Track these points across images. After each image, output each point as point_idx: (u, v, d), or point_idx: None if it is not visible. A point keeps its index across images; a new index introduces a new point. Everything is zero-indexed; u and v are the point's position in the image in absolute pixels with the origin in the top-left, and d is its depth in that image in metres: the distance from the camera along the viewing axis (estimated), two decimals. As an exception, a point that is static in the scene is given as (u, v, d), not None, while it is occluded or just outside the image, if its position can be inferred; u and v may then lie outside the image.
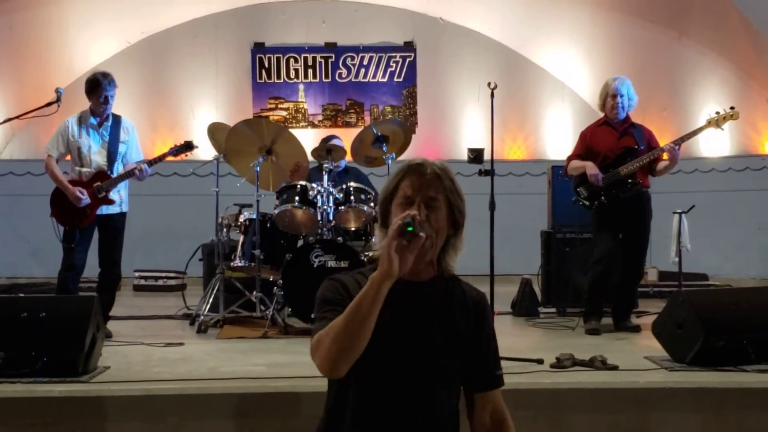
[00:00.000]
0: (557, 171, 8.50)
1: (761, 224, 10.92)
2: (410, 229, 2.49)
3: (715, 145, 11.35)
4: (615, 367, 5.22)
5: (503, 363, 5.10)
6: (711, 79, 11.41)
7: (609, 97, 7.14)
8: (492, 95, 5.84)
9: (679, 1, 11.05)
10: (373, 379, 2.69)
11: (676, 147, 6.94)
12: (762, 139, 11.24)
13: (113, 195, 6.92)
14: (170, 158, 7.38)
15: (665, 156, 7.08)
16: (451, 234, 2.77)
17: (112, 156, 6.96)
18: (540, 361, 5.35)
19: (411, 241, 2.51)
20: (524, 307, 8.14)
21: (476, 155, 6.11)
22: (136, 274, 10.97)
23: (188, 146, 7.35)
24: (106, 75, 6.97)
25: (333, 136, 8.38)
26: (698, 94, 11.56)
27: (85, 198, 6.78)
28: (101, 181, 6.86)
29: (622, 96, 7.09)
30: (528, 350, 5.69)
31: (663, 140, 7.47)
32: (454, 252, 2.81)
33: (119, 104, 8.53)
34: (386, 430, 2.70)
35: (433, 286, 2.78)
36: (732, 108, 7.10)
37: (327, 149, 7.54)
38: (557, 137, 12.33)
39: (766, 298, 5.58)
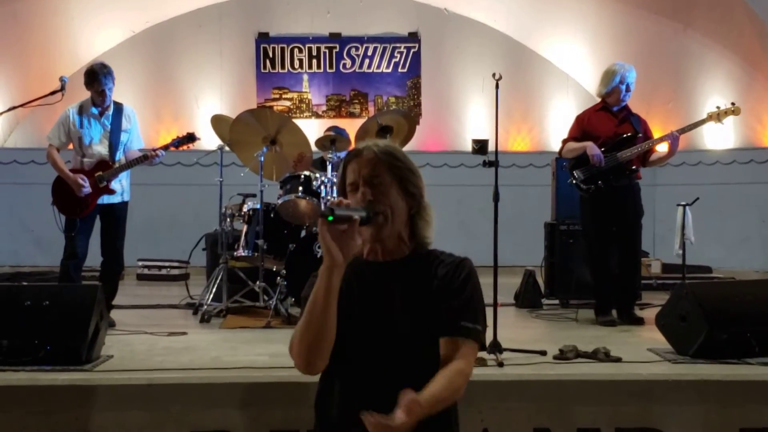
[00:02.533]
0: (561, 163, 8.49)
1: (765, 217, 10.90)
2: (330, 219, 2.49)
3: (719, 137, 11.33)
4: (618, 359, 5.22)
5: (506, 354, 5.15)
6: (716, 72, 11.38)
7: (620, 85, 7.10)
8: (497, 86, 5.81)
9: (684, -8, 11.04)
10: (352, 363, 2.72)
11: (677, 137, 6.96)
12: (766, 131, 11.21)
13: (114, 185, 6.92)
14: (172, 149, 7.36)
15: (656, 149, 7.10)
16: (412, 207, 2.80)
17: (113, 145, 6.96)
18: (543, 353, 5.35)
19: (348, 227, 2.53)
20: (527, 298, 8.14)
21: (481, 146, 6.10)
22: (140, 263, 10.97)
23: (191, 138, 7.34)
24: (104, 66, 6.95)
25: (335, 127, 8.37)
26: (703, 86, 11.53)
27: (87, 186, 6.79)
28: (102, 171, 6.86)
29: (631, 84, 7.10)
30: (531, 342, 5.69)
31: (667, 132, 7.46)
32: (425, 223, 2.83)
33: (124, 94, 8.54)
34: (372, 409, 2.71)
35: (407, 263, 2.79)
36: (733, 104, 7.12)
37: (331, 140, 7.54)
38: (561, 129, 12.23)
39: (771, 290, 5.57)
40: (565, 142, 7.32)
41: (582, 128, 7.23)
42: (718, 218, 10.93)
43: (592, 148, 6.96)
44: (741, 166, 11.33)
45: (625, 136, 7.04)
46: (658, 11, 11.31)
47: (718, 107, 7.13)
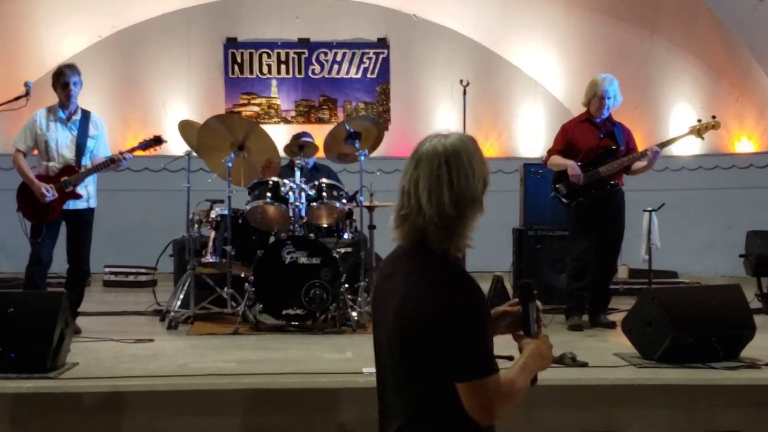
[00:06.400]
0: (529, 169, 8.55)
1: (731, 222, 10.99)
2: None
3: (685, 143, 11.40)
4: (584, 364, 5.25)
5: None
6: (682, 78, 11.48)
7: (597, 97, 7.16)
8: (464, 92, 5.84)
9: (650, -1, 11.13)
10: None
11: (658, 152, 7.04)
12: (732, 138, 11.32)
13: (80, 190, 6.87)
14: (140, 153, 7.32)
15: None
16: None
17: (80, 150, 6.91)
18: (510, 358, 5.31)
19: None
20: (495, 303, 8.04)
21: (448, 152, 6.11)
22: (107, 269, 10.87)
23: (157, 141, 7.30)
24: (72, 66, 6.94)
25: (304, 133, 8.36)
26: (670, 92, 11.63)
27: (50, 194, 6.74)
28: (68, 176, 6.82)
29: (609, 98, 7.14)
30: (498, 347, 5.67)
31: (635, 138, 7.52)
32: None
33: (90, 98, 8.47)
34: None
35: None
36: (713, 117, 7.24)
37: (299, 145, 7.53)
38: (530, 135, 12.36)
39: (734, 295, 5.62)
40: (550, 152, 7.39)
41: (566, 139, 7.29)
42: (684, 224, 11.01)
43: (573, 168, 7.03)
44: (707, 172, 11.43)
45: (606, 149, 7.10)
46: (624, 18, 11.39)
47: (699, 120, 7.25)
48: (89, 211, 7.02)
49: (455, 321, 2.40)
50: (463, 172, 2.57)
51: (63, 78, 6.83)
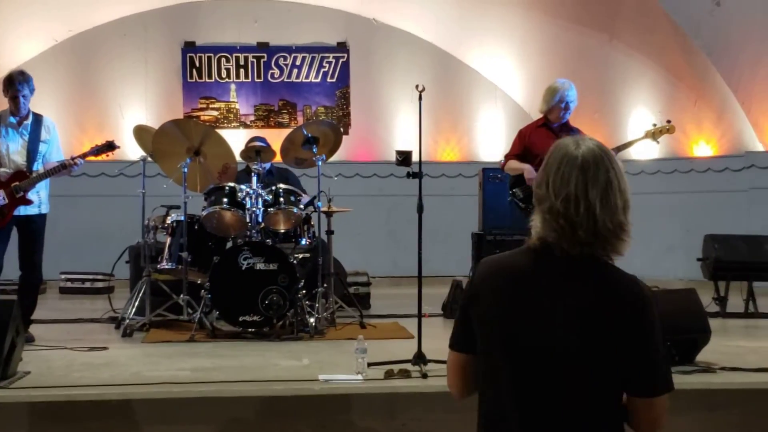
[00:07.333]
0: (488, 173, 8.56)
1: (689, 226, 11.08)
2: None
3: (644, 147, 11.48)
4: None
5: (431, 365, 5.14)
6: (641, 82, 11.56)
7: (559, 103, 7.16)
8: (420, 98, 5.81)
9: (609, 4, 11.17)
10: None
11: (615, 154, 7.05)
12: (690, 141, 11.41)
13: (31, 195, 6.77)
14: (93, 158, 7.23)
15: None
16: None
17: (31, 156, 6.81)
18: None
19: None
20: (455, 308, 8.14)
21: (404, 158, 6.07)
22: (63, 276, 10.75)
23: (110, 146, 7.20)
24: (22, 73, 6.84)
25: (257, 138, 8.30)
26: (628, 96, 11.71)
27: (1, 199, 6.63)
28: (19, 181, 6.71)
29: (572, 103, 7.16)
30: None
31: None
32: None
33: (46, 103, 8.36)
34: None
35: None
36: (668, 122, 7.27)
37: (256, 150, 7.47)
38: (490, 139, 12.39)
39: (689, 299, 5.65)
40: (507, 157, 7.42)
41: (523, 144, 7.32)
42: (642, 227, 11.03)
43: (530, 172, 7.05)
44: (665, 176, 11.51)
45: None
46: (584, 22, 11.45)
47: (654, 125, 7.27)
48: (41, 217, 6.91)
49: (656, 334, 2.38)
50: (622, 177, 2.51)
51: (12, 90, 6.75)
